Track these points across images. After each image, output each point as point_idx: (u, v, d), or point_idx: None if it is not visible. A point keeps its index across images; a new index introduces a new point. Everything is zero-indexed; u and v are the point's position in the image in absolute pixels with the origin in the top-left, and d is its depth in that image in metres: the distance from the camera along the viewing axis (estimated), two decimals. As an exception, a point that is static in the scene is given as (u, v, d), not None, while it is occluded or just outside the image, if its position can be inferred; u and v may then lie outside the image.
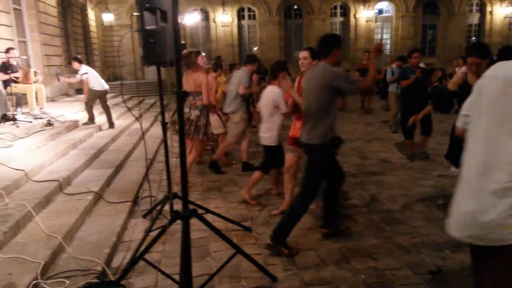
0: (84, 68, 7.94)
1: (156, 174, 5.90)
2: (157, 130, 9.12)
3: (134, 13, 3.73)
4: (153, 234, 3.61)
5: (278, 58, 21.20)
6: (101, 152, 6.31)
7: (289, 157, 4.26)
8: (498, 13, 23.50)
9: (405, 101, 6.51)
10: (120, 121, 8.99)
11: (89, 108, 7.96)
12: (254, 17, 23.22)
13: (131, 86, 18.91)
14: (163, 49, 3.34)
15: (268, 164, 4.64)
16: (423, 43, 24.42)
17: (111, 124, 8.22)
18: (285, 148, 4.44)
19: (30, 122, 6.62)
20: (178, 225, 2.74)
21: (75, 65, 8.01)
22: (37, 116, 7.13)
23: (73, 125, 7.33)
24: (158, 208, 3.99)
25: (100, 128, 7.90)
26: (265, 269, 2.97)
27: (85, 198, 4.28)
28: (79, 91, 12.97)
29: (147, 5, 3.30)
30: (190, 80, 4.85)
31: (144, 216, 4.22)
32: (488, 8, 23.62)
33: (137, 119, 5.35)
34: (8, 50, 7.37)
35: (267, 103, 4.40)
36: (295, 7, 23.42)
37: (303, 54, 4.13)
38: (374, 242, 3.62)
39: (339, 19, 24.09)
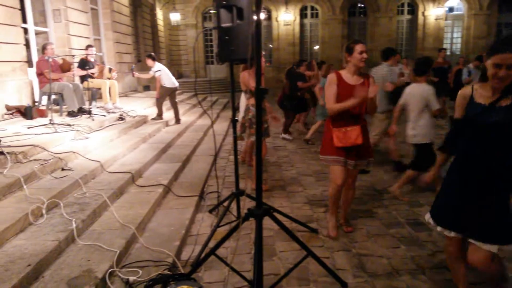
0: (157, 66, 8.15)
1: (220, 170, 5.99)
2: (220, 126, 9.28)
3: (211, 10, 3.78)
4: (220, 230, 3.70)
5: (339, 57, 20.86)
6: (168, 146, 6.51)
7: None
8: None
9: None
10: (185, 118, 9.24)
11: (159, 104, 8.23)
12: (316, 16, 22.95)
13: (193, 84, 19.45)
14: (238, 47, 3.36)
15: (420, 162, 4.50)
16: (498, 43, 22.77)
17: (178, 120, 8.45)
18: None
19: (104, 116, 6.99)
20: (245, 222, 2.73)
21: (149, 62, 8.20)
22: (110, 111, 7.52)
23: (143, 120, 7.64)
24: (224, 204, 4.03)
25: (167, 124, 8.17)
26: (336, 274, 2.87)
27: (156, 191, 4.42)
28: (146, 87, 13.57)
29: (224, 2, 3.33)
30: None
31: (210, 211, 4.28)
32: None
33: (212, 123, 5.45)
34: (87, 47, 7.84)
35: (416, 100, 4.38)
36: (361, 5, 22.82)
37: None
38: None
39: (406, 17, 23.14)
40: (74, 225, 3.22)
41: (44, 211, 3.40)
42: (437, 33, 22.64)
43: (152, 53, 8.73)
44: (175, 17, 20.25)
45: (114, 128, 6.49)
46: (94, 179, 4.43)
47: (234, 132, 3.71)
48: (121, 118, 7.21)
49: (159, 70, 8.08)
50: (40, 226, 3.23)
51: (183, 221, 3.89)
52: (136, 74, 8.60)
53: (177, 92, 9.30)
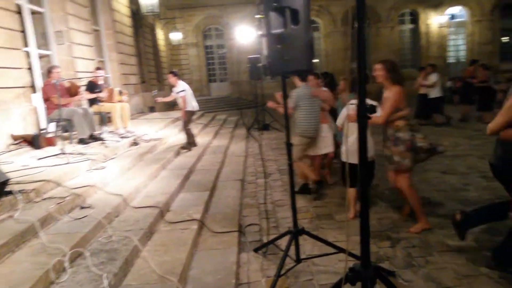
0: (181, 85, 7.21)
1: (251, 197, 5.39)
2: (238, 147, 8.71)
3: (257, 16, 3.25)
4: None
5: (343, 70, 20.49)
6: (190, 172, 5.92)
7: None
8: None
9: None
10: (200, 139, 8.66)
11: (188, 130, 7.32)
12: (317, 29, 22.63)
13: (198, 103, 18.97)
14: (293, 56, 2.82)
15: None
16: (502, 48, 22.48)
17: (193, 144, 7.57)
18: None
19: (118, 141, 6.41)
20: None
21: (172, 79, 7.20)
22: (123, 135, 6.93)
23: (158, 144, 7.05)
24: (279, 243, 3.43)
25: (182, 147, 7.54)
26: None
27: (190, 228, 3.82)
28: (151, 108, 13.04)
29: (275, 4, 2.80)
30: None
31: (256, 250, 3.66)
32: None
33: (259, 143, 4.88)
34: (96, 69, 7.30)
35: None
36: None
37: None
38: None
39: (408, 26, 22.89)
40: (106, 283, 2.61)
41: (66, 264, 2.80)
42: (440, 41, 22.39)
43: (175, 70, 8.02)
44: (176, 36, 19.90)
45: (129, 155, 5.90)
46: (118, 217, 3.83)
47: (289, 158, 3.12)
48: (135, 143, 6.64)
49: (183, 90, 7.17)
50: (63, 286, 2.62)
51: (229, 265, 3.27)
52: (159, 99, 7.75)
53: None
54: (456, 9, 22.55)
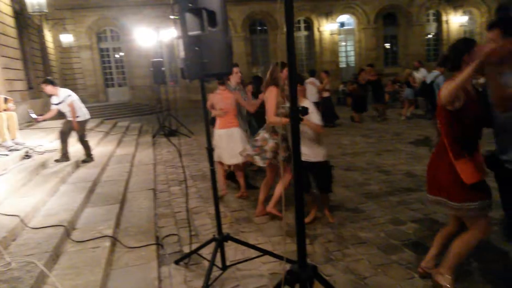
0: (63, 92, 6.50)
1: (166, 206, 5.15)
2: (145, 154, 8.31)
3: (172, 16, 3.07)
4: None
5: (246, 73, 20.92)
6: (95, 184, 5.46)
7: None
8: (454, 22, 24.52)
9: None
10: (102, 148, 8.11)
11: (85, 141, 6.66)
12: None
13: (95, 109, 17.80)
14: (212, 60, 2.73)
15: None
16: (386, 54, 25.00)
17: (89, 156, 6.79)
18: None
19: (6, 155, 5.67)
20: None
21: (48, 89, 6.37)
22: (12, 148, 6.14)
23: (54, 155, 6.39)
24: (200, 252, 3.31)
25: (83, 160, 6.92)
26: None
27: (102, 245, 3.50)
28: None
29: (190, 5, 2.69)
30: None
31: (177, 262, 3.49)
32: (444, 18, 24.61)
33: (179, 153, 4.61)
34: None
35: None
36: (261, 23, 23.27)
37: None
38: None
39: (303, 33, 24.15)
40: (8, 319, 2.25)
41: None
42: (332, 47, 24.01)
43: (50, 77, 7.13)
44: (66, 38, 18.41)
45: (22, 169, 5.27)
46: (15, 240, 3.37)
47: (211, 164, 3.02)
48: (27, 156, 5.95)
49: (69, 95, 6.47)
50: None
51: (150, 281, 3.06)
52: (40, 118, 6.74)
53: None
54: (345, 18, 24.44)
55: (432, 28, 25.03)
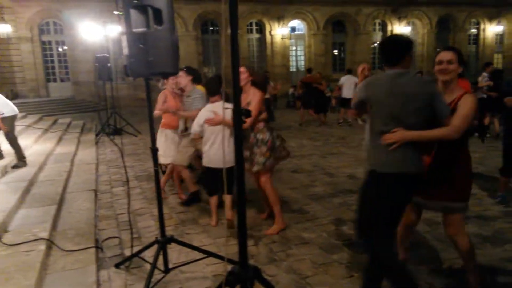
0: None
1: (107, 208, 4.97)
2: (87, 153, 7.97)
3: (116, 12, 2.93)
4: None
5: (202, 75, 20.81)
6: (31, 184, 5.17)
7: None
8: (398, 32, 25.77)
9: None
10: (40, 146, 7.69)
11: (14, 140, 6.00)
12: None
13: (35, 105, 16.86)
14: (158, 58, 2.68)
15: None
16: (334, 60, 25.80)
17: (22, 159, 6.07)
18: None
19: None
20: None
21: None
22: None
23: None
24: (142, 255, 3.22)
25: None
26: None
27: (36, 249, 3.32)
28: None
29: (135, 1, 2.62)
30: None
31: (118, 266, 3.38)
32: (389, 28, 25.83)
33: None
34: None
35: None
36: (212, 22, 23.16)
37: None
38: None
39: (255, 35, 24.31)
40: None
41: None
42: (283, 51, 24.39)
43: None
44: (4, 29, 17.28)
45: None
46: None
47: (155, 164, 2.95)
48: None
49: None
50: None
51: (89, 286, 2.95)
52: None
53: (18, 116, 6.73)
54: (296, 23, 24.93)
55: (378, 37, 26.13)
